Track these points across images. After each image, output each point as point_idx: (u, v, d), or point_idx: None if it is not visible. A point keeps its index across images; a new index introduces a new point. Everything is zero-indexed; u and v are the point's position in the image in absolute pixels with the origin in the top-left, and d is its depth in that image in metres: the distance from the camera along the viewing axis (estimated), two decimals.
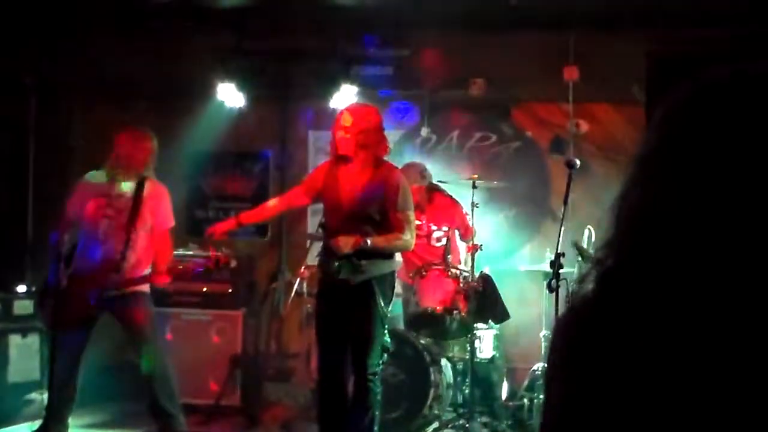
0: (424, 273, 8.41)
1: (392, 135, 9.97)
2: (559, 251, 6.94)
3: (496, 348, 8.84)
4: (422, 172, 8.93)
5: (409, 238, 7.27)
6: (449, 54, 10.06)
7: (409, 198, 7.35)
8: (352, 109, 7.31)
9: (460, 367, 8.67)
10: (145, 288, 7.67)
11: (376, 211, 7.14)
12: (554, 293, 6.89)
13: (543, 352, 8.87)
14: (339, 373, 7.22)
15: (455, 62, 10.07)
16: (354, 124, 7.13)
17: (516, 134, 10.41)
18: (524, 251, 10.04)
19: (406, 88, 10.16)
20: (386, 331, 7.29)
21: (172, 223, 7.82)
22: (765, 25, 8.05)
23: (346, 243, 7.00)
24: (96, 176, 7.74)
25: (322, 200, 7.43)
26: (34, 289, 8.97)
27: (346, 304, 7.13)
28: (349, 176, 7.20)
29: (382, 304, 7.11)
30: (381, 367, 7.22)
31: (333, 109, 9.73)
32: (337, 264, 7.09)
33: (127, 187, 7.61)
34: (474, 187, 8.63)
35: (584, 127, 9.93)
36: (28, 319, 8.86)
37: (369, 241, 7.02)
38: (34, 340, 8.89)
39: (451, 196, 9.13)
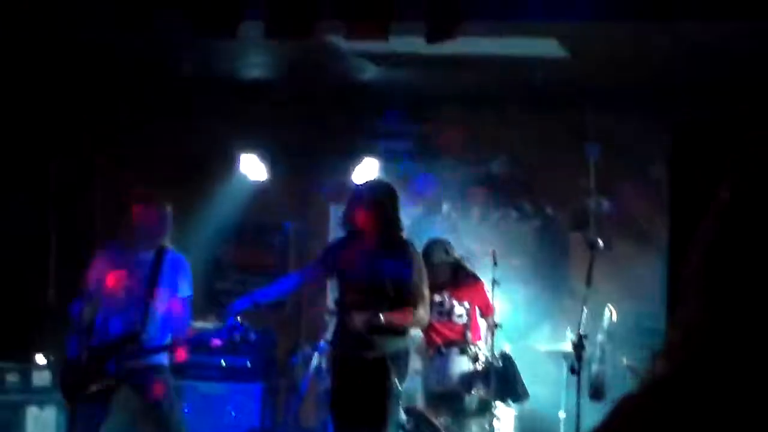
0: (443, 350, 8.37)
1: (412, 210, 10.02)
2: (581, 332, 6.89)
3: (515, 428, 8.76)
4: (446, 249, 8.90)
5: (424, 314, 7.26)
6: (471, 130, 10.08)
7: (424, 274, 7.35)
8: (366, 185, 7.34)
9: None
10: (164, 360, 7.64)
11: (390, 286, 7.13)
12: (577, 375, 6.83)
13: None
14: None
15: (476, 138, 10.09)
16: (368, 200, 7.15)
17: (536, 212, 10.38)
18: (543, 329, 9.96)
19: (428, 163, 10.16)
20: (401, 409, 7.25)
21: (190, 292, 7.80)
22: None
23: (359, 319, 6.98)
24: (116, 247, 7.75)
25: (337, 276, 7.42)
26: (52, 359, 8.95)
27: (360, 381, 7.10)
28: (364, 252, 7.20)
29: (396, 382, 7.07)
30: None
31: (354, 182, 9.76)
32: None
33: (146, 257, 7.61)
34: (494, 264, 8.62)
35: (606, 204, 9.91)
36: (46, 391, 8.82)
37: (382, 317, 6.99)
38: (51, 412, 8.82)
39: (473, 273, 9.10)
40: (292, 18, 6.51)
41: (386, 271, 7.13)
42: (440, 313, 8.76)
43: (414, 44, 7.02)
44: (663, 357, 1.42)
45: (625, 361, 8.18)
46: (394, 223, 7.24)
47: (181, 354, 7.74)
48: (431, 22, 6.48)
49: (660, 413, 1.37)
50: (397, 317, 7.09)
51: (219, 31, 6.73)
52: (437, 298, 8.65)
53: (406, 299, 7.14)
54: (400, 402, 7.21)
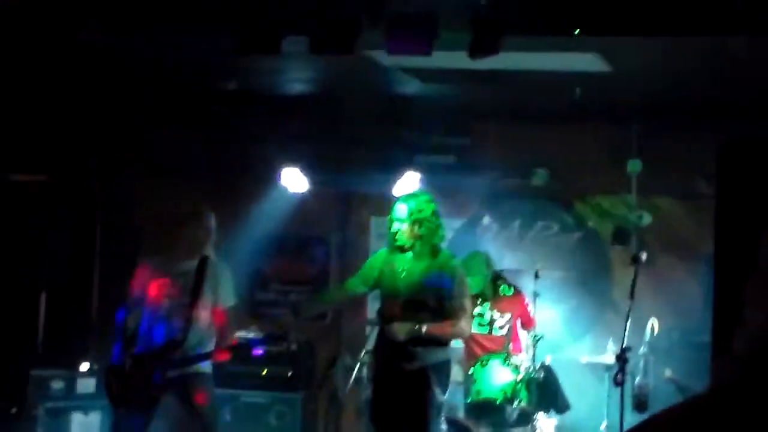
0: (485, 362, 8.40)
1: (454, 223, 10.06)
2: (625, 345, 6.90)
3: None
4: (487, 261, 8.93)
5: (465, 326, 7.31)
6: (512, 143, 10.12)
7: (466, 286, 7.41)
8: (406, 199, 7.39)
9: None
10: (208, 368, 7.71)
11: (432, 298, 7.19)
12: (620, 387, 6.84)
13: None
14: None
15: (517, 151, 10.12)
16: (408, 215, 7.20)
17: (578, 224, 10.40)
18: (585, 342, 9.97)
19: (469, 176, 10.19)
20: (442, 420, 7.29)
21: (233, 301, 7.86)
22: None
23: (401, 330, 7.02)
24: (160, 257, 7.84)
25: (379, 288, 7.47)
26: (96, 367, 9.05)
27: (402, 391, 7.14)
28: (406, 264, 7.25)
29: (438, 392, 7.10)
30: None
31: (395, 195, 9.80)
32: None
33: (190, 266, 7.69)
34: (536, 277, 8.66)
35: (647, 218, 9.90)
36: (90, 398, 8.93)
37: (424, 329, 7.04)
38: (95, 418, 8.93)
39: (514, 285, 9.12)
40: (336, 34, 6.55)
41: (428, 284, 7.18)
42: (481, 325, 8.79)
43: (456, 59, 7.04)
44: (729, 362, 1.46)
45: (667, 373, 8.19)
46: (436, 236, 7.28)
47: (224, 357, 7.79)
48: (474, 37, 6.50)
49: (728, 417, 1.40)
50: (438, 329, 7.14)
51: (263, 47, 6.77)
52: (478, 310, 8.69)
53: (448, 311, 7.19)
54: (441, 413, 7.24)
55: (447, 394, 7.33)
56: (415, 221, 7.19)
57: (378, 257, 7.55)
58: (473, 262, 8.68)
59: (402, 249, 7.26)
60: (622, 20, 6.45)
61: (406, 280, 7.22)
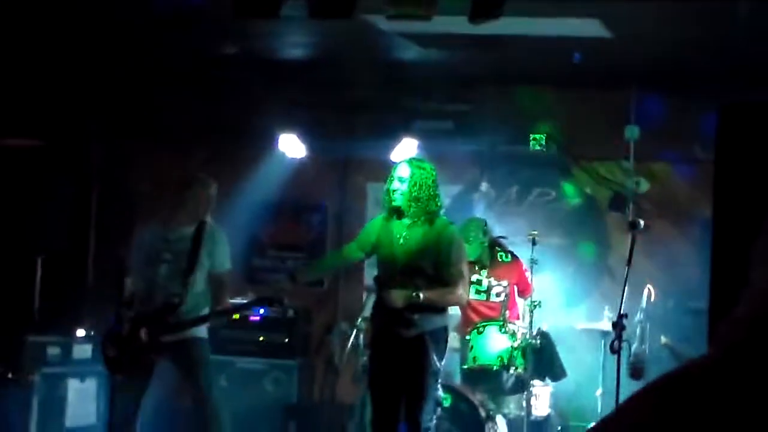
0: (481, 329, 8.39)
1: (451, 189, 10.04)
2: (622, 312, 6.89)
3: (552, 405, 8.78)
4: (483, 228, 8.91)
5: (462, 292, 7.31)
6: (510, 109, 10.07)
7: (464, 253, 7.41)
8: (408, 162, 7.36)
9: (515, 423, 8.60)
10: (203, 333, 7.72)
11: (429, 265, 7.17)
12: (617, 355, 6.83)
13: (599, 410, 8.79)
14: (393, 427, 7.20)
15: (516, 118, 10.07)
16: (410, 176, 7.17)
17: (575, 191, 10.37)
18: (581, 308, 9.97)
19: (467, 142, 10.15)
20: (439, 386, 7.29)
21: (229, 266, 7.87)
22: None
23: (398, 297, 7.01)
24: (156, 221, 7.83)
25: (376, 254, 7.45)
26: (93, 333, 9.04)
27: (399, 358, 7.14)
28: (403, 231, 7.23)
29: (435, 359, 7.10)
30: (434, 422, 7.21)
31: (393, 161, 9.77)
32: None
33: (186, 231, 7.68)
34: (533, 243, 8.64)
35: (644, 185, 9.88)
36: (86, 363, 8.91)
37: (421, 296, 7.03)
38: (92, 384, 8.93)
39: (511, 252, 9.10)
40: None
41: (425, 250, 7.17)
42: (478, 292, 8.78)
43: (456, 24, 6.99)
44: (735, 323, 1.45)
45: (663, 340, 8.19)
46: (433, 203, 7.26)
47: (219, 322, 7.81)
48: (475, 1, 6.44)
49: (736, 377, 1.39)
50: (436, 295, 7.13)
51: (262, 11, 6.72)
52: (475, 276, 8.68)
53: (445, 278, 7.18)
54: (438, 380, 7.24)
55: (443, 361, 7.32)
56: (415, 183, 7.15)
57: (375, 223, 7.52)
58: (470, 229, 8.65)
59: (397, 210, 7.22)
60: None
61: (404, 246, 7.19)
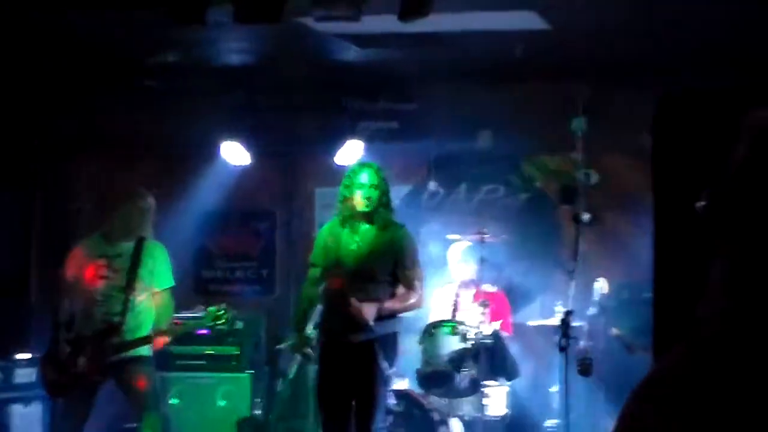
0: (433, 331, 8.27)
1: (400, 190, 9.92)
2: (568, 308, 6.77)
3: (508, 405, 8.66)
4: None
5: (420, 294, 7.23)
6: (456, 106, 9.94)
7: (417, 255, 7.28)
8: (367, 167, 7.27)
9: (472, 425, 8.48)
10: (147, 351, 7.56)
11: (381, 268, 7.06)
12: (564, 353, 6.71)
13: (555, 407, 8.68)
14: None
15: (462, 114, 9.95)
16: (379, 183, 7.15)
17: (525, 185, 10.26)
18: (534, 305, 9.85)
19: (413, 142, 10.02)
20: (390, 393, 7.18)
21: (171, 282, 7.71)
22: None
23: (369, 313, 6.88)
24: (95, 238, 7.68)
25: (329, 259, 7.31)
26: (36, 355, 8.83)
27: (348, 364, 7.01)
28: (355, 235, 7.11)
29: (385, 366, 6.98)
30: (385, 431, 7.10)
31: (339, 165, 9.64)
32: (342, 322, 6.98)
33: (125, 247, 7.52)
34: (482, 241, 8.52)
35: (594, 177, 9.77)
36: (30, 388, 8.67)
37: (386, 306, 6.96)
38: (36, 408, 8.70)
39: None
40: (261, 2, 6.38)
41: (381, 254, 7.09)
42: None
43: (389, 23, 6.86)
44: (704, 318, 1.52)
45: (614, 331, 8.07)
46: (389, 206, 7.22)
47: (162, 343, 7.63)
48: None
49: (719, 365, 1.51)
50: (398, 304, 7.09)
51: (187, 18, 6.60)
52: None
53: (403, 282, 7.12)
54: (389, 386, 7.13)
55: (394, 368, 7.20)
56: (384, 190, 7.15)
57: (324, 232, 7.40)
58: None
59: (364, 217, 7.13)
60: None
61: (356, 251, 7.11)
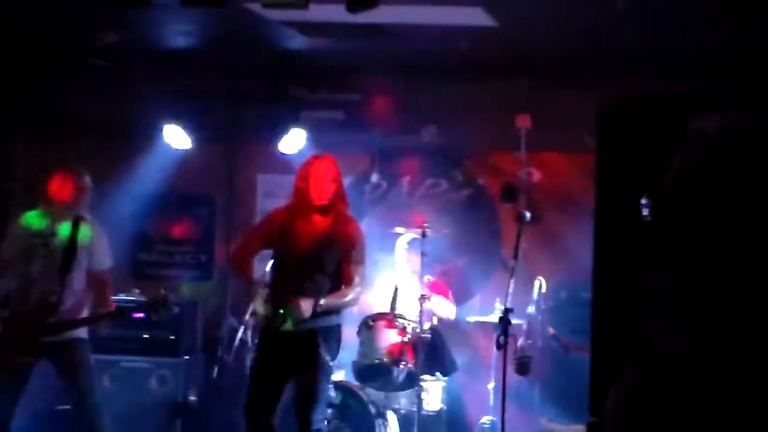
0: (371, 323, 8.26)
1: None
2: (507, 306, 6.78)
3: (443, 400, 8.67)
4: None
5: (359, 291, 7.23)
6: (400, 99, 9.93)
7: (365, 251, 7.27)
8: (332, 160, 7.29)
9: (408, 418, 8.48)
10: (83, 333, 7.50)
11: (329, 259, 7.05)
12: (502, 349, 6.72)
13: (491, 404, 8.71)
14: (267, 420, 7.00)
15: (406, 108, 9.94)
16: (338, 175, 7.23)
17: (467, 181, 10.27)
18: (474, 301, 9.87)
19: (356, 133, 9.99)
20: (331, 386, 7.16)
21: (109, 263, 7.66)
22: (710, 78, 8.02)
23: (307, 308, 6.84)
24: (31, 217, 7.57)
25: (274, 246, 7.28)
26: None
27: (289, 355, 6.98)
28: (308, 224, 7.12)
29: (327, 358, 6.96)
30: (325, 423, 7.08)
31: (282, 152, 9.60)
32: (282, 312, 6.93)
33: (62, 227, 7.43)
34: (423, 235, 8.51)
35: (536, 175, 9.82)
36: None
37: (323, 302, 6.91)
38: None
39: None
40: None
41: (329, 244, 7.10)
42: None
43: (337, 12, 6.83)
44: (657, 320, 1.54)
45: (550, 331, 8.12)
46: (344, 199, 7.30)
47: (99, 323, 7.57)
48: None
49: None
50: (336, 300, 7.06)
51: (133, 1, 6.54)
52: None
53: (344, 275, 7.12)
54: (329, 377, 7.11)
55: (335, 360, 7.19)
56: (335, 181, 7.19)
57: (276, 215, 7.34)
58: None
59: (309, 209, 7.12)
60: None
61: (307, 239, 7.10)
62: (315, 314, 6.91)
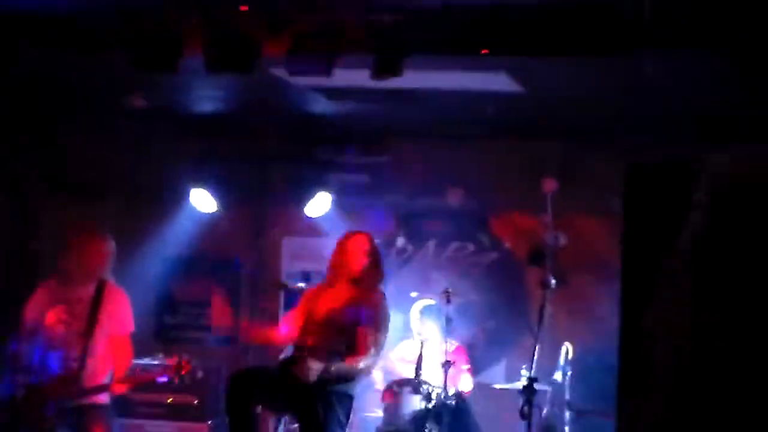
0: (396, 389, 8.19)
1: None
2: (532, 375, 6.69)
3: None
4: None
5: (373, 359, 7.19)
6: (427, 162, 9.92)
7: (386, 320, 7.26)
8: (367, 235, 7.45)
9: None
10: (105, 399, 7.45)
11: (351, 324, 7.06)
12: (528, 420, 6.61)
13: None
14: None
15: (433, 171, 9.93)
16: (372, 249, 7.34)
17: (494, 244, 10.22)
18: (500, 367, 9.77)
19: (382, 196, 9.98)
20: None
21: (131, 328, 7.60)
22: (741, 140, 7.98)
23: (313, 372, 6.79)
24: (55, 281, 7.54)
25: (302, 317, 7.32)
26: None
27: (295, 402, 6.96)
28: (336, 292, 7.24)
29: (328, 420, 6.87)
30: None
31: (307, 215, 9.62)
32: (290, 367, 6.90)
33: (85, 291, 7.41)
34: (448, 301, 8.43)
35: (563, 239, 9.74)
36: None
37: (333, 368, 6.89)
38: None
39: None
40: (233, 53, 6.38)
41: (352, 309, 7.13)
42: None
43: (362, 78, 6.86)
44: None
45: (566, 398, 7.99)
46: (380, 272, 7.39)
47: (121, 390, 7.52)
48: (377, 58, 6.35)
49: None
50: (347, 367, 7.01)
51: (160, 64, 6.58)
52: None
53: (359, 340, 7.08)
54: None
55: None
56: (369, 255, 7.31)
57: (311, 290, 7.55)
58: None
59: (353, 281, 7.23)
60: (528, 40, 6.31)
61: (331, 303, 7.18)
62: (323, 379, 6.85)
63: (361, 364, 7.07)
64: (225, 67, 6.54)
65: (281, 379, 7.03)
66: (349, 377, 7.08)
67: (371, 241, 7.35)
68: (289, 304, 7.90)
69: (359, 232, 7.50)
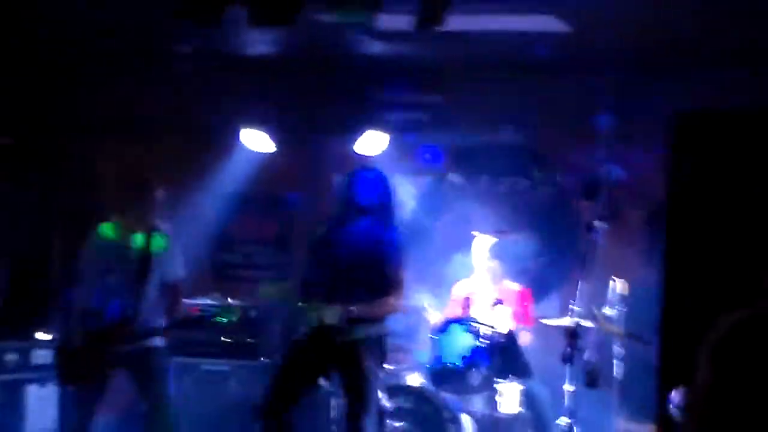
0: (445, 327, 8.26)
1: (421, 180, 9.92)
2: (575, 318, 6.70)
3: (522, 403, 8.61)
4: None
5: (399, 300, 7.18)
6: (479, 99, 9.89)
7: (404, 260, 7.24)
8: (374, 170, 7.44)
9: (483, 422, 8.46)
10: (160, 342, 7.59)
11: (375, 266, 7.08)
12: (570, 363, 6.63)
13: (566, 405, 8.64)
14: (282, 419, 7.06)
15: (485, 107, 9.90)
16: (383, 183, 7.31)
17: (547, 179, 10.20)
18: (553, 302, 9.80)
19: (436, 134, 9.99)
20: (384, 396, 7.25)
21: (183, 274, 7.70)
22: None
23: (332, 314, 6.85)
24: (106, 228, 7.65)
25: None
26: (54, 336, 8.89)
27: (328, 363, 7.06)
28: (352, 233, 7.19)
29: (373, 368, 6.97)
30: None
31: (358, 153, 9.67)
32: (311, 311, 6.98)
33: (137, 239, 7.52)
34: (504, 238, 8.46)
35: (616, 173, 9.70)
36: (47, 369, 8.68)
37: (355, 310, 6.91)
38: (53, 390, 8.71)
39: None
40: (276, 5, 6.38)
41: (378, 255, 7.09)
42: None
43: (406, 23, 6.85)
44: None
45: (621, 331, 7.98)
46: (392, 208, 7.31)
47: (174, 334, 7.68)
48: (421, 8, 6.34)
49: None
50: (373, 309, 7.03)
51: (202, 18, 6.62)
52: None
53: (388, 285, 7.08)
54: (379, 387, 7.11)
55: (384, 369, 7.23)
56: (392, 192, 7.30)
57: (326, 232, 7.43)
58: None
59: (361, 218, 7.19)
60: None
61: (352, 247, 7.15)
62: (349, 321, 6.92)
63: (389, 304, 7.09)
64: (267, 21, 6.55)
65: (309, 350, 7.09)
66: (377, 318, 7.12)
67: (383, 177, 7.29)
68: None
69: (368, 168, 7.50)
